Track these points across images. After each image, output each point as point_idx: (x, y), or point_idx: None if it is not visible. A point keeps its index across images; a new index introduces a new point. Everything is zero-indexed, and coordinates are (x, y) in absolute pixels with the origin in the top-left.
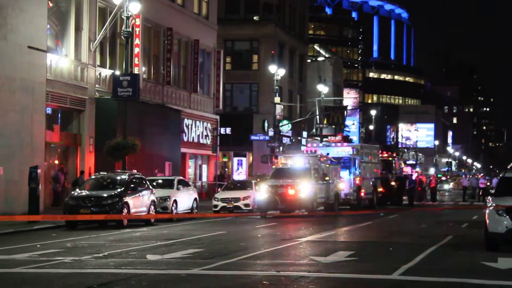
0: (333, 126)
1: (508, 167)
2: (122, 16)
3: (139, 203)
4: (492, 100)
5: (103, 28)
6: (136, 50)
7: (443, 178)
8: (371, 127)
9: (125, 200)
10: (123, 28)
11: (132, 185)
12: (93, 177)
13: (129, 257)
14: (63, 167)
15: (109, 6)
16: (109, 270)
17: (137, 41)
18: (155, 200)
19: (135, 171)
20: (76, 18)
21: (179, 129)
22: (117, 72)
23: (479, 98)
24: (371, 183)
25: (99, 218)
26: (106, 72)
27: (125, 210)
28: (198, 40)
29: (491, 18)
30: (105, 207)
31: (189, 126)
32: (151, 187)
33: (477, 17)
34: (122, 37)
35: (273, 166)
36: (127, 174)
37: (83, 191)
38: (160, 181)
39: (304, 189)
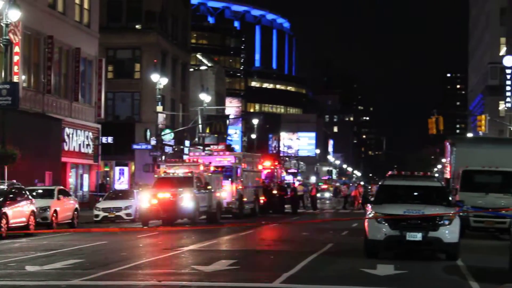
0: (216, 135)
1: (387, 175)
2: (1, 24)
3: (19, 213)
4: (371, 109)
5: None
6: (16, 58)
7: (324, 187)
8: (253, 136)
9: (3, 211)
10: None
11: (11, 195)
12: None
13: (8, 269)
14: None
15: None
16: None
17: (16, 49)
18: (35, 210)
19: (15, 181)
20: None
21: (59, 139)
22: None
23: (359, 107)
24: (253, 191)
25: None
26: None
27: (3, 221)
28: (80, 48)
29: (371, 30)
30: None
31: (70, 135)
32: (31, 197)
33: (357, 28)
34: (1, 45)
35: (155, 175)
36: (5, 184)
37: None
38: (40, 191)
39: (186, 198)
